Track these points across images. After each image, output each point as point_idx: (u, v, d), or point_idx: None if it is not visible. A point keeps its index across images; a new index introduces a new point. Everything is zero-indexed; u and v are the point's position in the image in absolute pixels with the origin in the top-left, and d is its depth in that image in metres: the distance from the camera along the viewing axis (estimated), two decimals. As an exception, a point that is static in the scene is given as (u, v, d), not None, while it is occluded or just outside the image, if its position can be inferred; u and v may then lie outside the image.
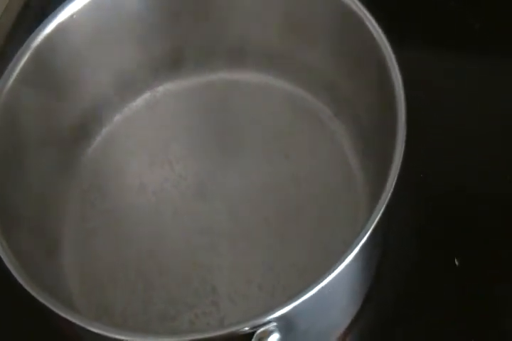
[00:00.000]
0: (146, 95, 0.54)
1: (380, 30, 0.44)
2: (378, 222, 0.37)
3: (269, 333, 0.36)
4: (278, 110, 0.53)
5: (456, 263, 0.47)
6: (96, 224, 0.50)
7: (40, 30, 0.46)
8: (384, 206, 0.38)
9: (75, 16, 0.47)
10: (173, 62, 0.53)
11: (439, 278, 0.46)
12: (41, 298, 0.38)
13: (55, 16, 0.47)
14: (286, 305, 0.36)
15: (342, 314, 0.44)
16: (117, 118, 0.53)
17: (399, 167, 0.39)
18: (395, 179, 0.38)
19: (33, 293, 0.39)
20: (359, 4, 0.45)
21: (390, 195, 0.38)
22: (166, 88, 0.54)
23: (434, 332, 0.45)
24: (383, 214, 0.37)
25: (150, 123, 0.53)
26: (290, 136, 0.51)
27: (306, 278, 0.46)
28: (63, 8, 0.47)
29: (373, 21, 0.44)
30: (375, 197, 0.46)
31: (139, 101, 0.54)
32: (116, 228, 0.50)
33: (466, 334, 0.45)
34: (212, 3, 0.50)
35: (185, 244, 0.48)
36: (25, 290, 0.39)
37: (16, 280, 0.39)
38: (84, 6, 0.47)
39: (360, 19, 0.45)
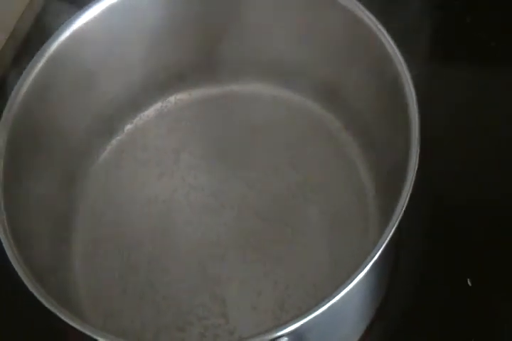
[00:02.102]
0: (158, 105, 0.54)
1: (393, 44, 0.44)
2: (391, 238, 0.37)
3: (280, 347, 0.36)
4: (287, 122, 0.53)
5: (469, 283, 0.47)
6: (105, 234, 0.50)
7: (53, 40, 0.47)
8: (396, 223, 0.37)
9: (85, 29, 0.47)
10: (185, 73, 0.53)
11: (450, 297, 0.46)
12: (51, 307, 0.39)
13: (67, 27, 0.47)
14: (298, 320, 0.36)
15: (352, 329, 0.44)
16: (128, 128, 0.54)
17: (412, 184, 0.39)
18: (408, 196, 0.38)
19: (43, 301, 0.39)
20: (372, 17, 0.45)
21: (402, 212, 0.38)
22: (177, 98, 0.54)
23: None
24: (395, 230, 0.37)
25: (161, 134, 0.53)
26: (299, 148, 0.52)
27: (315, 290, 0.46)
28: (76, 18, 0.47)
29: (386, 34, 0.44)
30: (385, 210, 0.46)
31: (151, 111, 0.54)
32: (124, 237, 0.50)
33: (459, 332, 0.45)
34: (224, 15, 0.50)
35: (194, 255, 0.48)
36: (35, 298, 0.39)
37: (26, 288, 0.39)
38: (97, 16, 0.47)
39: (373, 32, 0.45)
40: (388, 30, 0.44)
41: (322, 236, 0.48)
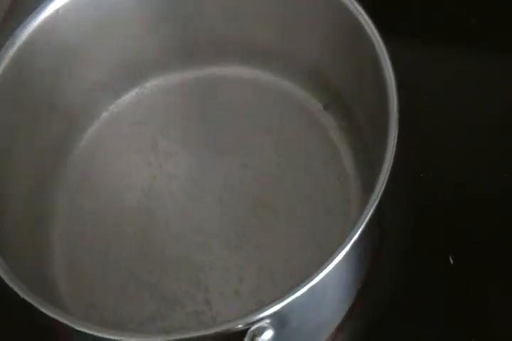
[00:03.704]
0: (134, 92, 0.53)
1: (372, 25, 0.43)
2: (370, 218, 0.37)
3: (262, 330, 0.35)
4: (267, 104, 0.52)
5: (451, 261, 0.46)
6: (85, 224, 0.49)
7: (27, 24, 0.46)
8: (376, 202, 0.37)
9: (60, 11, 0.46)
10: (160, 58, 0.52)
11: (432, 275, 0.46)
12: (30, 299, 0.38)
13: (41, 11, 0.46)
14: (279, 302, 0.35)
15: (335, 310, 0.44)
16: (104, 115, 0.53)
17: (391, 162, 0.38)
18: (387, 175, 0.38)
19: (21, 294, 0.38)
20: (355, 3, 0.44)
21: (382, 190, 0.37)
22: (153, 84, 0.53)
23: (426, 330, 0.45)
24: (375, 210, 0.37)
25: (137, 121, 0.53)
26: (280, 131, 0.51)
27: (299, 274, 0.45)
28: (50, 2, 0.46)
29: (365, 16, 0.44)
30: (366, 191, 0.46)
31: (126, 97, 0.53)
32: (105, 228, 0.49)
33: (459, 332, 0.44)
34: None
35: (176, 243, 0.48)
36: (13, 290, 0.38)
37: (3, 281, 0.39)
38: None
39: (351, 14, 0.44)
40: (369, 13, 0.44)
41: (305, 219, 0.47)
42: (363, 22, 0.44)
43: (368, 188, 0.46)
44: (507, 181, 0.49)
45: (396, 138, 0.39)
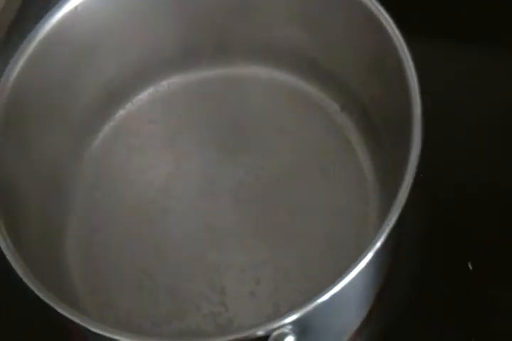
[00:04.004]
0: (150, 90, 0.53)
1: (393, 25, 0.43)
2: (392, 227, 0.36)
3: (284, 336, 0.35)
4: (284, 104, 0.52)
5: (470, 267, 0.46)
6: (101, 221, 0.49)
7: (45, 22, 0.45)
8: (398, 214, 0.37)
9: (79, 8, 0.46)
10: (177, 57, 0.52)
11: (451, 281, 0.46)
12: (46, 298, 0.38)
13: (60, 7, 0.45)
14: (302, 308, 0.35)
15: (354, 315, 0.44)
16: (121, 113, 0.52)
17: (414, 172, 0.38)
18: (410, 185, 0.37)
19: (38, 293, 0.38)
20: (375, 1, 0.44)
21: (404, 201, 0.37)
22: (169, 82, 0.53)
23: (444, 335, 0.45)
24: (397, 219, 0.37)
25: (154, 119, 0.52)
26: (297, 131, 0.51)
27: (314, 276, 0.45)
28: (66, 1, 0.46)
29: (386, 15, 0.43)
30: (385, 194, 0.46)
31: (143, 96, 0.53)
32: (120, 226, 0.49)
33: (478, 338, 0.44)
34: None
35: (192, 242, 0.48)
36: (30, 289, 0.38)
37: (20, 278, 0.39)
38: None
39: (371, 13, 0.44)
40: (389, 12, 0.43)
41: (321, 221, 0.47)
42: (384, 22, 0.43)
43: (385, 191, 0.46)
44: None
45: (420, 146, 0.38)
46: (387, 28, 0.43)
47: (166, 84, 0.53)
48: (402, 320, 0.45)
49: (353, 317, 0.44)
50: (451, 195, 0.49)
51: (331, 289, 0.35)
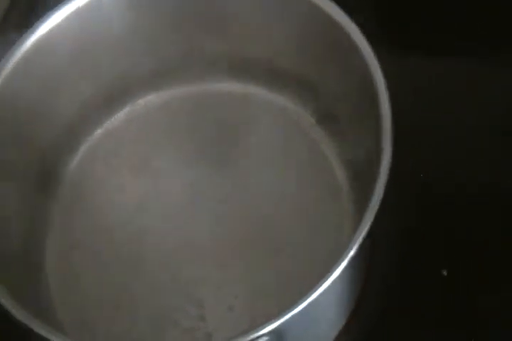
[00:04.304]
0: (127, 109, 0.53)
1: (364, 39, 0.43)
2: (364, 238, 0.37)
3: (261, 347, 0.35)
4: (260, 120, 0.52)
5: (444, 273, 0.46)
6: (78, 241, 0.49)
7: (21, 43, 0.46)
8: (369, 225, 0.37)
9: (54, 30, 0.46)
10: (153, 75, 0.53)
11: (426, 289, 0.46)
12: (22, 318, 0.38)
13: (36, 28, 0.46)
14: (277, 319, 0.36)
15: (331, 325, 0.44)
16: (98, 132, 0.53)
17: (385, 183, 0.38)
18: (381, 195, 0.38)
19: (14, 313, 0.38)
20: (346, 17, 0.45)
21: (375, 213, 0.37)
22: (146, 101, 0.53)
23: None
24: (368, 230, 0.37)
25: (132, 137, 0.53)
26: (274, 146, 0.51)
27: (292, 289, 0.45)
28: (44, 20, 0.46)
29: (357, 30, 0.44)
30: (360, 205, 0.46)
31: (120, 115, 0.53)
32: (98, 245, 0.49)
33: None
34: (189, 14, 0.50)
35: (170, 259, 0.48)
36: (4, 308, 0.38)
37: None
38: (61, 22, 0.47)
39: (343, 29, 0.44)
40: (361, 25, 0.44)
41: (298, 233, 0.47)
42: (354, 37, 0.44)
43: (360, 200, 0.46)
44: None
45: (390, 159, 0.39)
46: (357, 42, 0.44)
47: (143, 102, 0.53)
48: (379, 329, 0.45)
49: (331, 327, 0.44)
50: (440, 203, 0.49)
51: (305, 299, 0.36)
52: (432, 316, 0.45)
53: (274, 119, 0.52)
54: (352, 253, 0.36)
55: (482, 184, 0.50)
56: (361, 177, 0.46)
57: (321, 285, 0.36)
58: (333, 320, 0.43)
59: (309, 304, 0.36)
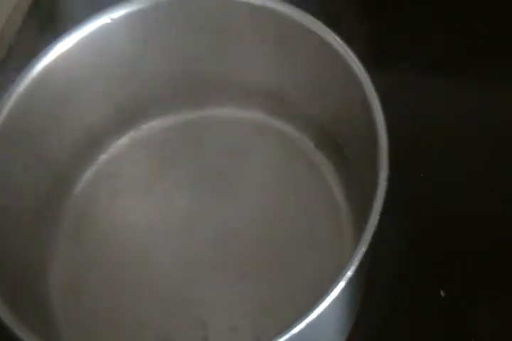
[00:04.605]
0: (130, 134, 0.54)
1: (359, 64, 0.44)
2: (363, 258, 0.38)
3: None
4: (261, 144, 0.53)
5: (442, 294, 0.47)
6: (84, 265, 0.50)
7: (26, 72, 0.47)
8: (367, 245, 0.38)
9: (58, 60, 0.48)
10: (157, 100, 0.54)
11: (424, 308, 0.47)
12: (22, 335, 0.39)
13: (41, 58, 0.47)
14: (277, 339, 0.36)
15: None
16: (102, 157, 0.54)
17: (381, 207, 0.39)
18: (379, 214, 0.39)
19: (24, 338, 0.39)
20: (340, 41, 0.46)
21: (374, 230, 0.38)
22: (150, 126, 0.55)
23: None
24: (366, 252, 0.38)
25: (135, 162, 0.54)
26: (274, 170, 0.52)
27: (294, 308, 0.45)
28: (50, 49, 0.48)
29: (352, 55, 0.45)
30: (360, 226, 0.47)
31: (123, 140, 0.54)
32: (102, 268, 0.50)
33: None
34: (202, 44, 0.51)
35: (172, 281, 0.49)
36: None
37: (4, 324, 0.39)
38: (67, 50, 0.48)
39: (342, 57, 0.45)
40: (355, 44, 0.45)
41: (300, 255, 0.48)
42: (351, 62, 0.45)
43: (360, 221, 0.47)
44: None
45: (386, 182, 0.40)
46: (353, 66, 0.45)
47: (146, 127, 0.55)
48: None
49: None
50: (440, 222, 0.50)
51: (306, 317, 0.36)
52: (431, 336, 0.46)
53: (273, 143, 0.53)
54: (349, 274, 0.37)
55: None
56: (360, 199, 0.47)
57: (319, 306, 0.37)
58: (333, 338, 0.44)
59: (308, 324, 0.36)
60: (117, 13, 0.49)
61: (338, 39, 0.46)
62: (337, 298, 0.37)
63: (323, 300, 0.37)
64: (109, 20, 0.49)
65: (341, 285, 0.37)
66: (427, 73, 0.56)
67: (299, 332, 0.36)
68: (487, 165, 0.52)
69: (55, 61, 0.48)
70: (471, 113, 0.54)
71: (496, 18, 0.57)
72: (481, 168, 0.52)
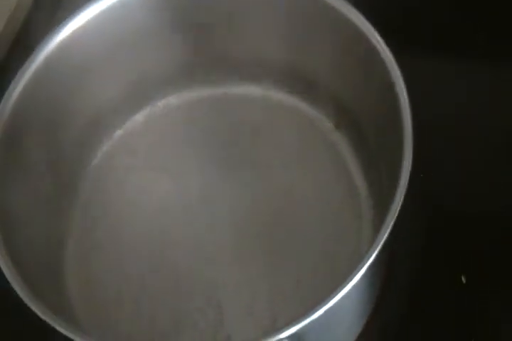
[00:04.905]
0: (147, 110, 0.54)
1: (385, 46, 0.43)
2: (384, 243, 0.37)
3: (280, 350, 0.36)
4: (278, 123, 0.52)
5: (463, 280, 0.47)
6: (98, 241, 0.50)
7: (43, 46, 0.46)
8: (389, 229, 0.37)
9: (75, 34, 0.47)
10: (172, 77, 0.53)
11: (445, 295, 0.46)
12: (45, 317, 0.38)
13: (57, 32, 0.46)
14: (297, 323, 0.36)
15: (349, 329, 0.44)
16: (118, 133, 0.53)
17: (406, 186, 0.38)
18: (401, 200, 0.38)
19: (38, 312, 0.39)
20: (362, 18, 0.45)
21: (396, 214, 0.38)
22: (165, 102, 0.54)
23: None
24: (389, 235, 0.37)
25: (150, 138, 0.53)
26: (291, 149, 0.51)
27: (311, 292, 0.46)
28: (65, 24, 0.47)
29: (377, 35, 0.44)
30: (378, 210, 0.47)
31: (140, 116, 0.54)
32: (118, 245, 0.49)
33: None
34: (212, 17, 0.50)
35: (188, 260, 0.48)
36: (30, 309, 0.39)
37: (20, 298, 0.39)
38: (85, 23, 0.47)
39: (363, 33, 0.44)
40: (379, 29, 0.44)
41: (317, 237, 0.48)
42: (374, 42, 0.44)
43: (378, 204, 0.47)
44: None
45: (411, 162, 0.39)
46: (376, 45, 0.44)
47: (162, 104, 0.54)
48: (397, 334, 0.46)
49: (349, 332, 0.44)
50: (460, 209, 0.49)
51: (326, 303, 0.36)
52: (451, 322, 0.46)
53: (292, 123, 0.52)
54: (371, 260, 0.37)
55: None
56: (380, 183, 0.46)
57: (341, 290, 0.36)
58: (352, 324, 0.44)
59: (329, 309, 0.36)
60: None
61: (360, 16, 0.45)
62: (357, 284, 0.36)
63: (344, 287, 0.36)
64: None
65: (362, 272, 0.36)
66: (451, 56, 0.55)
67: (318, 318, 0.36)
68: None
69: (70, 36, 0.47)
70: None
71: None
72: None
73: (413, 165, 0.39)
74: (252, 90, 0.53)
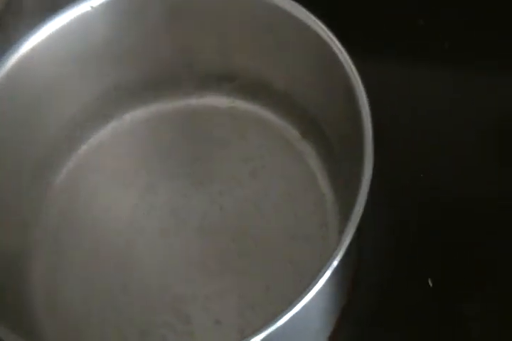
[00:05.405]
0: (112, 124, 0.53)
1: (345, 52, 0.43)
2: (348, 247, 0.37)
3: (246, 360, 0.35)
4: (245, 133, 0.52)
5: (430, 283, 0.47)
6: (65, 258, 0.49)
7: (4, 62, 0.46)
8: (352, 233, 0.37)
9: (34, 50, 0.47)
10: (138, 90, 0.53)
11: (412, 298, 0.46)
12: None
13: (16, 49, 0.46)
14: (261, 332, 0.35)
15: (317, 336, 0.44)
16: (83, 149, 0.53)
17: (367, 192, 0.38)
18: (364, 203, 0.38)
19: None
20: (323, 26, 0.45)
21: (359, 219, 0.38)
22: (132, 116, 0.54)
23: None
24: (353, 239, 0.37)
25: (117, 153, 0.53)
26: (259, 159, 0.51)
27: (279, 301, 0.44)
28: (26, 39, 0.46)
29: (338, 43, 0.44)
30: (345, 216, 0.46)
31: (105, 130, 0.53)
32: (86, 261, 0.49)
33: None
34: (179, 29, 0.50)
35: (156, 274, 0.48)
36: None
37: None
38: (44, 39, 0.47)
39: (325, 42, 0.45)
40: (340, 33, 0.45)
41: (284, 246, 0.48)
42: (335, 49, 0.44)
43: (345, 212, 0.47)
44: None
45: (371, 172, 0.39)
46: (339, 55, 0.44)
47: (129, 117, 0.54)
48: (365, 337, 0.46)
49: (317, 336, 0.44)
50: (426, 212, 0.49)
51: (290, 310, 0.36)
52: (419, 325, 0.45)
53: (260, 133, 0.52)
54: (335, 264, 0.36)
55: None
56: (346, 190, 0.46)
57: (303, 298, 0.36)
58: (321, 329, 0.44)
59: (293, 317, 0.35)
60: (97, 1, 0.47)
61: (321, 24, 0.45)
62: (322, 289, 0.36)
63: (308, 292, 0.36)
64: (89, 8, 0.48)
65: (326, 275, 0.36)
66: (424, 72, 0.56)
67: (284, 325, 0.36)
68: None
69: (33, 50, 0.46)
70: (468, 110, 0.53)
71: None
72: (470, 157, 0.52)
73: (377, 169, 0.40)
74: (218, 101, 0.53)
